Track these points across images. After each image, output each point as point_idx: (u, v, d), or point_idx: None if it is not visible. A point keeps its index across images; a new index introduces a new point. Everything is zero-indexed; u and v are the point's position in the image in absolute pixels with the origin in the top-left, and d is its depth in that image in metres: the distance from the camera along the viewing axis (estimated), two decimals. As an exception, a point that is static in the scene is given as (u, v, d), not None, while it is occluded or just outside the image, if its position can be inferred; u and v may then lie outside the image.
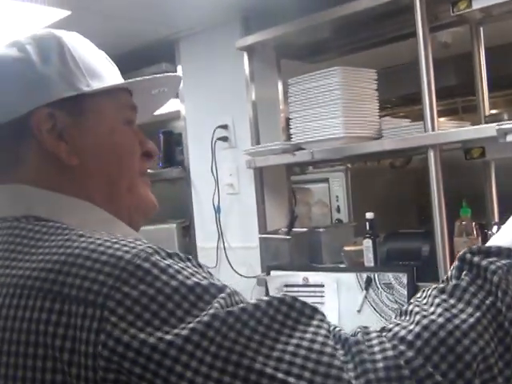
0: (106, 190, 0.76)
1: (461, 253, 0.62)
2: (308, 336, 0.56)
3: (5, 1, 1.89)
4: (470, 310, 0.57)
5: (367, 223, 2.02)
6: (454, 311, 0.57)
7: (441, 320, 0.56)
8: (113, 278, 0.57)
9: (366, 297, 1.92)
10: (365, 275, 1.93)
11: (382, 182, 4.18)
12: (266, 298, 0.59)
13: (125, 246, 0.61)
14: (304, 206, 2.39)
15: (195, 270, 0.61)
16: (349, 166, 4.30)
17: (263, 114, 2.34)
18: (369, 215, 2.03)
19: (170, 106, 2.86)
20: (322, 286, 2.03)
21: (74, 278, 0.58)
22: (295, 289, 2.10)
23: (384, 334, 0.58)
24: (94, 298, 0.56)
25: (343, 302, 1.97)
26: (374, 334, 0.58)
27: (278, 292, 2.13)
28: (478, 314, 0.57)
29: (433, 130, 1.77)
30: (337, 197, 4.58)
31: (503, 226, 0.67)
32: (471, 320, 0.56)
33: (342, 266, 2.07)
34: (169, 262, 0.60)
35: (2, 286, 0.62)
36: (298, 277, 2.10)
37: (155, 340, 0.54)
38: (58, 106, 0.73)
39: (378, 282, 1.89)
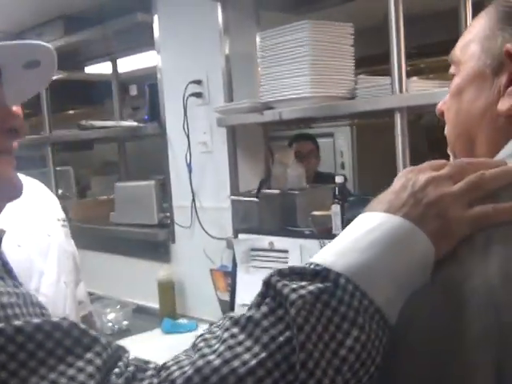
0: None
1: (267, 274, 0.53)
2: (70, 372, 0.48)
3: None
4: (256, 348, 0.48)
5: (336, 188, 1.93)
6: (239, 350, 0.48)
7: (218, 361, 0.47)
8: None
9: (328, 265, 1.84)
10: (327, 242, 1.84)
11: (390, 139, 4.02)
12: (35, 321, 0.51)
13: None
14: (281, 167, 2.30)
15: None
16: (355, 121, 4.14)
17: (239, 69, 2.22)
18: (338, 179, 1.94)
19: (152, 58, 2.77)
20: (286, 251, 1.96)
21: None
22: (261, 253, 2.04)
23: (161, 372, 0.49)
24: None
25: (306, 269, 1.91)
26: (148, 373, 0.49)
27: (244, 256, 2.07)
28: (263, 354, 0.47)
29: (400, 91, 1.64)
30: (341, 152, 4.45)
31: (342, 231, 0.57)
32: (253, 362, 0.47)
33: (307, 231, 1.99)
34: None
35: None
36: (264, 241, 2.03)
37: None
38: None
39: (340, 251, 1.81)
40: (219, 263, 2.26)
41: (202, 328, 2.31)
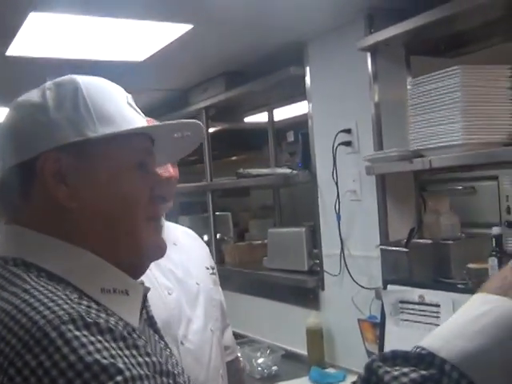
0: (103, 234, 0.77)
1: (369, 359, 0.52)
2: None
3: (125, 20, 2.04)
4: None
5: (493, 239, 1.80)
6: None
7: None
8: (21, 343, 0.59)
9: (484, 323, 1.71)
10: (483, 299, 1.72)
11: None
12: None
13: (48, 308, 0.62)
14: (434, 215, 2.20)
15: (107, 345, 0.60)
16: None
17: (389, 116, 2.20)
18: (495, 230, 1.81)
19: (304, 107, 2.85)
20: (438, 305, 1.86)
21: None
22: (410, 306, 1.95)
23: None
24: (3, 361, 0.58)
25: (459, 326, 1.79)
26: None
27: (393, 308, 2.01)
28: None
29: None
30: (507, 197, 4.12)
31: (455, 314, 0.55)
32: None
33: (460, 285, 1.87)
34: (79, 333, 0.59)
35: None
36: (414, 293, 1.94)
37: None
38: (66, 150, 0.76)
39: (497, 309, 1.68)
40: (368, 313, 2.21)
41: (350, 379, 2.26)
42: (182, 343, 1.34)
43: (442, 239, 2.11)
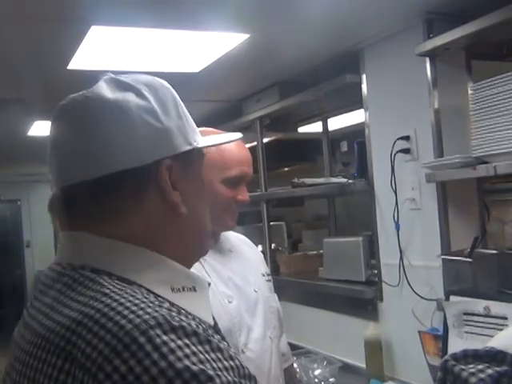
0: (191, 237, 0.81)
1: (443, 359, 0.51)
2: None
3: (183, 32, 2.07)
4: None
5: None
6: None
7: None
8: (109, 347, 0.58)
9: (556, 337, 1.63)
10: (555, 311, 1.64)
11: None
12: None
13: (133, 312, 0.61)
14: (497, 224, 2.13)
15: (195, 349, 0.59)
16: None
17: (449, 123, 2.15)
18: None
19: (360, 115, 2.82)
20: (505, 318, 1.79)
21: (82, 340, 0.60)
22: (475, 318, 1.88)
23: None
24: (90, 365, 0.58)
25: (529, 339, 1.71)
26: None
27: (456, 320, 1.94)
28: None
29: None
30: None
31: None
32: None
33: (529, 297, 1.79)
34: (167, 337, 0.58)
35: (37, 336, 0.67)
36: (478, 305, 1.87)
37: None
38: (176, 157, 0.76)
39: None
40: (429, 325, 2.15)
41: (411, 394, 2.20)
42: (242, 351, 1.33)
43: (507, 249, 2.03)
